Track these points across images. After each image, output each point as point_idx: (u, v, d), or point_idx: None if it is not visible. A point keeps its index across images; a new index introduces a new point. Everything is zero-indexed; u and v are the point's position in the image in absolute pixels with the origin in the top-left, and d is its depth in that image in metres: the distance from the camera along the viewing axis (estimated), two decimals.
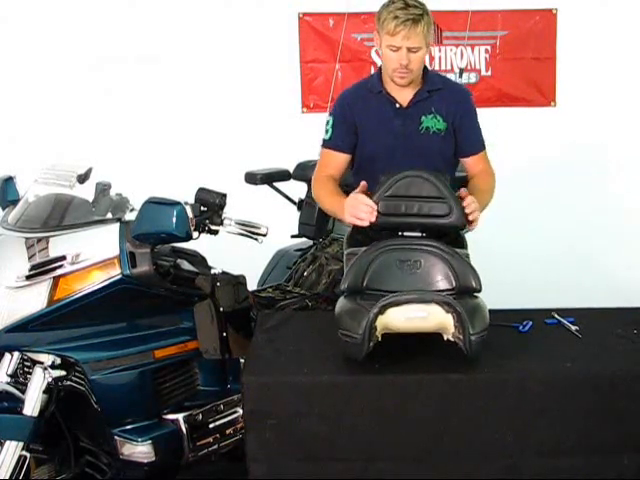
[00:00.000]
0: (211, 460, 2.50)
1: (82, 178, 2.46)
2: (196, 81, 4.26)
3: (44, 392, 2.24)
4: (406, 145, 2.45)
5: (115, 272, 2.25)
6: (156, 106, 4.20)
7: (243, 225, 2.42)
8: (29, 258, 2.27)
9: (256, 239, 2.45)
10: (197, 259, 2.60)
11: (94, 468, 2.43)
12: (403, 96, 2.46)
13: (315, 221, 3.19)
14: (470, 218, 2.20)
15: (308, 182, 3.23)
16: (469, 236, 2.37)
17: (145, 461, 2.32)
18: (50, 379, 2.24)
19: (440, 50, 4.40)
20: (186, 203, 2.24)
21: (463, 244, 2.29)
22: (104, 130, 4.15)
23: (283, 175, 3.27)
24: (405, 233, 2.23)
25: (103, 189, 2.56)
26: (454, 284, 2.11)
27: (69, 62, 4.20)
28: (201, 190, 2.39)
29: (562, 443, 2.03)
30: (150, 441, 2.32)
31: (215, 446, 2.48)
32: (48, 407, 2.26)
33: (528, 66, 4.42)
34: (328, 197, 2.44)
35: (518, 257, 4.06)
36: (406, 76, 2.39)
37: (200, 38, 4.24)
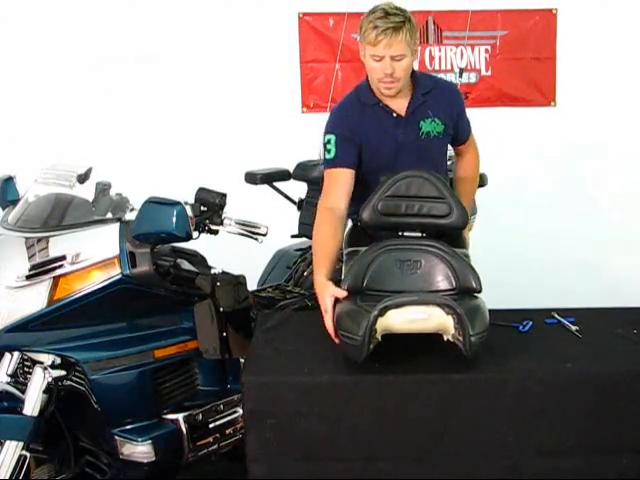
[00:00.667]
0: (211, 460, 2.50)
1: (82, 178, 2.46)
2: (196, 81, 4.27)
3: (44, 392, 2.24)
4: (409, 152, 2.44)
5: (115, 272, 2.25)
6: (156, 106, 4.20)
7: (243, 225, 2.42)
8: (29, 258, 2.27)
9: (256, 239, 2.45)
10: (197, 259, 2.60)
11: (94, 468, 2.43)
12: (399, 105, 2.43)
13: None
14: None
15: (308, 182, 3.23)
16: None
17: (145, 461, 2.32)
18: (50, 379, 2.24)
19: (440, 50, 4.41)
20: (186, 203, 2.24)
21: (464, 244, 2.30)
22: (104, 130, 4.16)
23: (283, 175, 3.27)
24: (405, 233, 2.23)
25: (103, 189, 2.56)
26: (454, 284, 2.11)
27: (69, 62, 4.21)
28: (201, 190, 2.39)
29: (562, 443, 2.02)
30: (150, 441, 2.32)
31: (215, 446, 2.48)
32: (48, 407, 2.26)
33: (528, 66, 4.42)
34: (318, 249, 2.31)
35: (518, 257, 4.07)
36: (392, 86, 2.34)
37: (200, 38, 4.25)
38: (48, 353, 2.26)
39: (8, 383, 2.29)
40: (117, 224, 2.31)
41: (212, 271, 2.51)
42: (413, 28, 2.30)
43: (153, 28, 4.21)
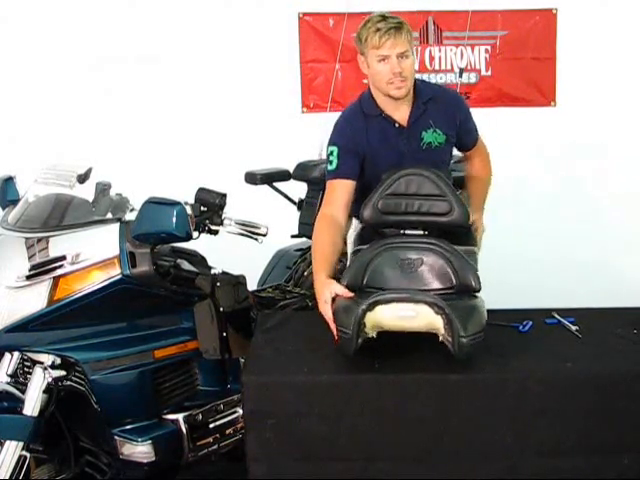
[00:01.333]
0: (211, 460, 2.50)
1: (82, 178, 2.46)
2: (196, 81, 4.26)
3: (44, 392, 2.24)
4: (411, 161, 2.43)
5: (115, 272, 2.25)
6: (156, 106, 4.20)
7: (243, 225, 2.42)
8: (29, 258, 2.27)
9: (256, 239, 2.46)
10: (197, 259, 2.60)
11: (94, 468, 2.43)
12: (400, 115, 2.44)
13: (315, 221, 3.19)
14: None
15: (308, 182, 3.23)
16: None
17: (145, 461, 2.32)
18: (50, 379, 2.24)
19: (440, 50, 4.41)
20: (186, 203, 2.24)
21: (471, 242, 2.28)
22: (104, 130, 4.15)
23: (283, 175, 3.27)
24: (407, 231, 2.23)
25: (103, 189, 2.56)
26: (454, 282, 2.11)
27: (69, 62, 4.20)
28: (201, 190, 2.39)
29: (562, 443, 2.02)
30: (150, 441, 2.32)
31: (215, 446, 2.48)
32: (48, 407, 2.26)
33: (528, 66, 4.42)
34: (317, 253, 2.34)
35: (518, 257, 4.06)
36: (402, 85, 2.36)
37: (200, 38, 4.24)
38: (48, 353, 2.26)
39: (8, 383, 2.29)
40: (117, 224, 2.31)
41: (212, 271, 2.51)
42: (410, 31, 2.37)
43: (153, 28, 4.20)
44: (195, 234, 2.30)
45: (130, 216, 2.36)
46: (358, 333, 1.97)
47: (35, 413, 2.22)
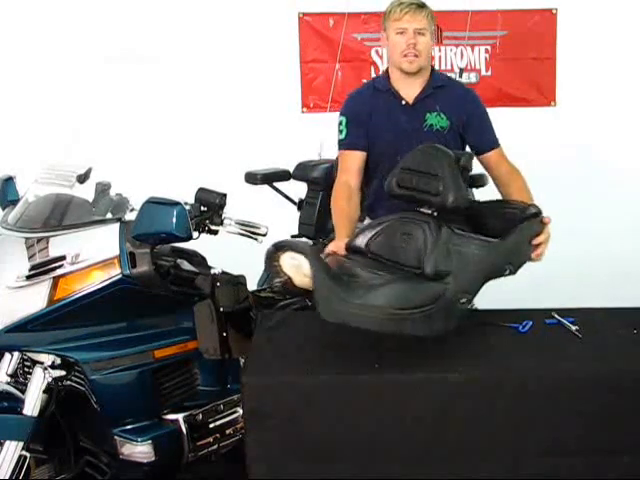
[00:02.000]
0: (211, 460, 2.50)
1: (82, 178, 2.46)
2: (196, 81, 4.26)
3: (44, 392, 2.24)
4: (410, 142, 2.45)
5: (115, 272, 2.25)
6: (156, 106, 4.19)
7: (243, 225, 2.42)
8: (29, 258, 2.27)
9: (256, 239, 2.45)
10: (197, 259, 2.60)
11: (94, 468, 2.43)
12: (409, 93, 2.52)
13: (315, 221, 3.20)
14: (533, 256, 2.25)
15: (308, 182, 3.23)
16: None
17: (145, 461, 2.33)
18: (50, 379, 2.25)
19: (440, 50, 4.40)
20: (186, 203, 2.24)
21: (498, 232, 2.21)
22: (104, 130, 4.15)
23: (283, 175, 3.27)
24: (422, 209, 2.21)
25: (103, 189, 2.56)
26: (421, 264, 2.09)
27: (69, 62, 4.20)
28: (201, 190, 2.39)
29: (562, 443, 2.02)
30: (150, 441, 2.32)
31: (215, 446, 2.48)
32: (48, 407, 2.26)
33: (528, 66, 4.42)
34: (337, 218, 2.54)
35: None
36: (414, 60, 2.46)
37: (200, 38, 4.24)
38: (48, 353, 2.27)
39: (8, 383, 2.29)
40: (117, 224, 2.31)
41: (212, 271, 2.51)
42: (432, 15, 2.50)
43: (153, 28, 4.20)
44: (195, 234, 2.30)
45: (130, 216, 2.36)
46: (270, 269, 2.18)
47: (35, 413, 2.22)
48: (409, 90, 2.53)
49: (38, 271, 2.23)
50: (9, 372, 2.30)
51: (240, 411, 2.45)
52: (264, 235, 2.45)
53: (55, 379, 2.26)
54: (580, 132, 4.26)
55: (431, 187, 2.14)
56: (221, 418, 2.49)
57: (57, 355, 2.27)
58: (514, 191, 2.50)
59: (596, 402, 2.01)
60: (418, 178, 2.18)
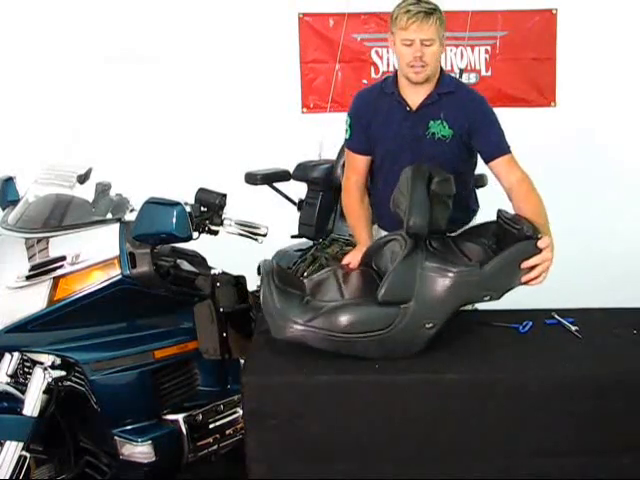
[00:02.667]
0: (211, 460, 2.50)
1: (82, 178, 2.46)
2: (196, 81, 4.27)
3: (44, 392, 2.24)
4: (411, 149, 2.45)
5: (115, 272, 2.25)
6: (156, 106, 4.20)
7: (243, 225, 2.42)
8: (29, 258, 2.27)
9: (256, 239, 2.45)
10: (197, 259, 2.60)
11: (94, 468, 2.43)
12: (414, 99, 2.46)
13: (315, 221, 3.20)
14: (523, 280, 2.12)
15: (308, 182, 3.24)
16: None
17: (145, 461, 2.32)
18: (50, 379, 2.24)
19: None
20: (186, 203, 2.24)
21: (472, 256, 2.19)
22: (104, 130, 4.15)
23: (283, 175, 3.27)
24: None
25: (103, 189, 2.56)
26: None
27: (69, 62, 4.21)
28: (201, 190, 2.40)
29: (562, 443, 2.02)
30: (150, 441, 2.32)
31: (215, 446, 2.48)
32: (48, 407, 2.26)
33: (528, 66, 4.43)
34: (350, 219, 2.63)
35: None
36: (421, 71, 2.38)
37: (200, 38, 4.25)
38: (48, 353, 2.26)
39: (8, 383, 2.29)
40: (117, 224, 2.30)
41: (212, 271, 2.51)
42: (442, 19, 2.39)
43: (153, 28, 4.21)
44: (195, 234, 2.30)
45: (130, 216, 2.36)
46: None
47: (35, 413, 2.22)
48: (415, 97, 2.47)
49: (38, 271, 2.23)
50: (9, 372, 2.30)
51: (240, 411, 2.45)
52: (264, 235, 2.45)
53: (55, 379, 2.25)
54: (580, 132, 4.26)
55: (402, 209, 2.14)
56: (221, 418, 2.49)
57: (57, 355, 2.27)
58: (520, 205, 2.38)
59: (596, 402, 2.01)
60: (401, 199, 2.17)
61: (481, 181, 3.04)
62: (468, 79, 4.39)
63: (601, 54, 4.26)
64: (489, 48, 4.42)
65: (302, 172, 3.24)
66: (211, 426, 2.46)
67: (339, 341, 2.06)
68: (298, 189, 3.28)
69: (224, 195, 2.38)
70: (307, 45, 4.43)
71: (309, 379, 2.04)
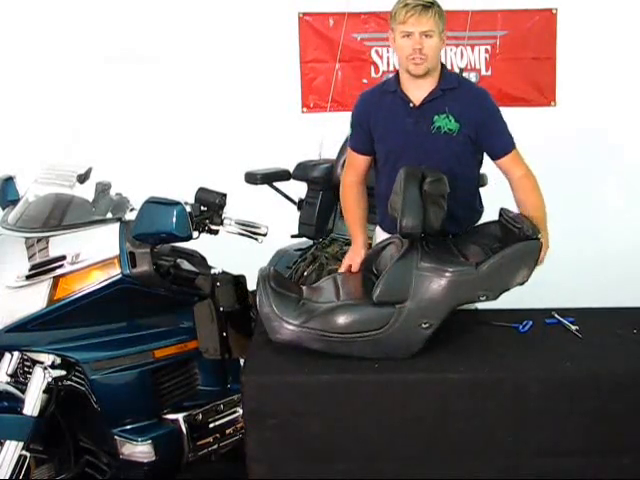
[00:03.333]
0: (211, 460, 2.50)
1: (82, 178, 2.46)
2: (196, 81, 4.27)
3: (44, 392, 2.24)
4: (417, 145, 2.43)
5: (115, 272, 2.25)
6: (156, 106, 4.20)
7: (243, 225, 2.42)
8: (29, 258, 2.27)
9: (256, 239, 2.46)
10: (197, 259, 2.60)
11: (94, 468, 2.43)
12: (417, 95, 2.45)
13: (315, 221, 3.20)
14: None
15: (308, 182, 3.23)
16: None
17: (145, 461, 2.32)
18: (50, 379, 2.24)
19: None
20: (186, 203, 2.24)
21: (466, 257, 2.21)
22: (104, 130, 4.15)
23: (283, 175, 3.27)
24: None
25: (103, 189, 2.56)
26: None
27: (69, 62, 4.21)
28: (201, 190, 2.39)
29: (562, 443, 2.02)
30: (150, 441, 2.32)
31: (215, 446, 2.48)
32: (48, 407, 2.26)
33: (528, 66, 4.42)
34: (348, 217, 2.64)
35: None
36: (421, 63, 2.38)
37: (200, 38, 4.25)
38: (48, 353, 2.26)
39: (8, 383, 2.29)
40: (117, 224, 2.31)
41: (212, 271, 2.51)
42: (441, 13, 2.40)
43: (153, 28, 4.21)
44: (195, 234, 2.30)
45: (130, 216, 2.37)
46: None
47: (35, 413, 2.22)
48: (417, 92, 2.46)
49: (38, 271, 2.23)
50: (9, 372, 2.30)
51: (240, 411, 2.45)
52: (264, 235, 2.45)
53: (55, 379, 2.25)
54: (580, 132, 4.26)
55: (395, 209, 2.15)
56: (221, 418, 2.49)
57: (57, 355, 2.27)
58: (522, 197, 2.50)
59: (596, 402, 2.01)
60: (396, 199, 2.17)
61: (481, 181, 3.04)
62: (468, 79, 4.38)
63: (601, 54, 4.26)
64: (489, 48, 4.42)
65: (302, 172, 3.24)
66: (211, 426, 2.46)
67: (335, 342, 2.07)
68: (298, 189, 3.28)
69: (224, 195, 2.38)
70: (307, 45, 4.43)
71: (309, 378, 2.04)
